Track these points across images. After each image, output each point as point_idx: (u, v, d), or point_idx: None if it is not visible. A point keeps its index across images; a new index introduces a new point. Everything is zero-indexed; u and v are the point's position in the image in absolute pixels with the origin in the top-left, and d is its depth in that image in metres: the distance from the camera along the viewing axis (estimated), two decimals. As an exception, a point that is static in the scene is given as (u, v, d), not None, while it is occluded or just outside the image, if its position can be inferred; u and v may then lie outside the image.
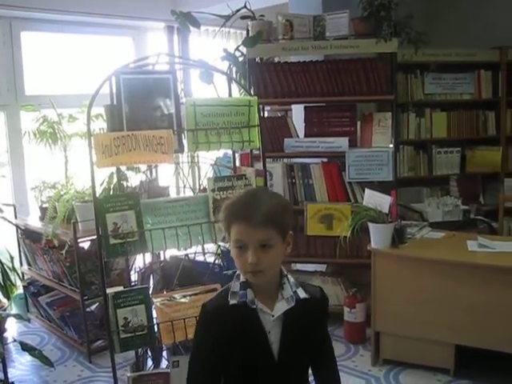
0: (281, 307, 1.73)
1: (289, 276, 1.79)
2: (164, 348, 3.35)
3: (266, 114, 5.36)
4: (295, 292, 1.75)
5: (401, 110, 4.96)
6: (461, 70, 5.14)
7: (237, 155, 3.90)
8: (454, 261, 3.53)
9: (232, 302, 1.73)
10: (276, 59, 4.93)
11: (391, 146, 4.31)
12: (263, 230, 1.65)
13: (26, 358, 4.09)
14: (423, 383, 3.64)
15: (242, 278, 1.75)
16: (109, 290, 2.82)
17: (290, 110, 5.52)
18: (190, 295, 2.94)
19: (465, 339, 3.54)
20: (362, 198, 3.94)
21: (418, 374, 3.73)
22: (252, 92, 4.24)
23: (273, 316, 1.72)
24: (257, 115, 3.05)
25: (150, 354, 3.32)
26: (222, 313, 1.74)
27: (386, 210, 3.60)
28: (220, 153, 3.85)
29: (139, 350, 3.07)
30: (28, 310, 4.84)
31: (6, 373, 3.38)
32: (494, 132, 5.31)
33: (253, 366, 1.74)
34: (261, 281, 1.71)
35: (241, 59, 4.62)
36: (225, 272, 2.95)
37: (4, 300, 4.65)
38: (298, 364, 1.80)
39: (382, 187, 4.05)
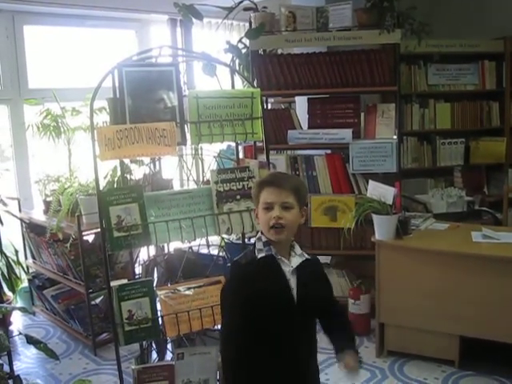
0: (296, 261, 2.13)
1: (295, 243, 2.20)
2: (168, 340, 3.36)
3: (269, 106, 5.35)
4: (301, 253, 2.17)
5: (404, 101, 4.95)
6: (465, 61, 5.12)
7: (240, 147, 3.89)
8: (458, 252, 3.53)
9: (260, 255, 2.12)
10: (279, 51, 4.92)
11: (395, 137, 4.30)
12: (288, 194, 2.07)
13: (32, 351, 4.12)
14: (428, 375, 3.65)
15: (263, 239, 2.13)
16: (113, 283, 2.82)
17: (294, 101, 5.51)
18: (194, 287, 2.95)
19: (469, 330, 3.54)
20: (366, 190, 3.94)
21: (422, 366, 3.74)
22: (255, 84, 4.23)
23: (292, 267, 2.12)
24: (260, 107, 3.04)
25: (154, 346, 3.33)
26: (253, 265, 2.13)
27: (390, 201, 3.60)
28: (223, 145, 3.84)
29: (144, 342, 3.08)
30: (33, 304, 4.85)
31: (11, 366, 3.39)
32: (498, 123, 5.29)
33: (278, 307, 2.09)
34: (281, 237, 2.08)
35: (244, 51, 4.62)
36: (229, 264, 2.94)
37: (9, 293, 4.66)
38: (313, 308, 2.16)
39: (385, 179, 4.04)
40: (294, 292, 2.09)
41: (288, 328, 2.10)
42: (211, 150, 3.27)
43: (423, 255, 3.63)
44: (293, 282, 2.11)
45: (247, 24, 4.50)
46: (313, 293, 2.13)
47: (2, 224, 4.38)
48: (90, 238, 4.31)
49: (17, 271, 4.81)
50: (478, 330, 3.50)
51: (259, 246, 2.14)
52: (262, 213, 2.10)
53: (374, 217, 3.67)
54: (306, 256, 2.17)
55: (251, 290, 2.07)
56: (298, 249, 2.17)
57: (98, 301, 4.37)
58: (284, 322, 2.09)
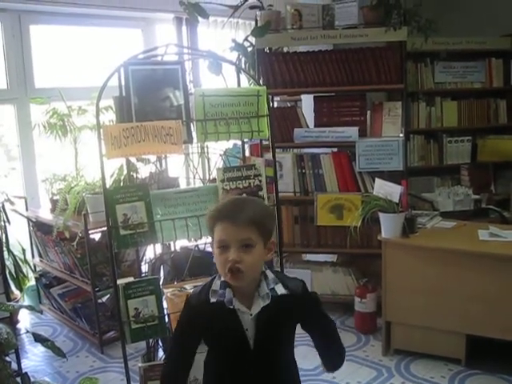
0: (257, 306, 1.79)
1: (267, 272, 1.84)
2: (175, 338, 3.36)
3: (275, 105, 5.35)
4: (272, 289, 1.80)
5: (411, 99, 4.95)
6: (471, 58, 5.10)
7: (246, 146, 3.89)
8: (465, 250, 3.52)
9: (212, 299, 1.81)
10: (285, 49, 4.92)
11: (401, 135, 4.29)
12: (246, 230, 1.73)
13: (39, 349, 4.13)
14: (434, 373, 3.64)
15: (222, 277, 1.81)
16: (119, 281, 2.82)
17: (300, 100, 5.50)
18: (201, 286, 2.94)
19: (476, 329, 3.52)
20: (373, 188, 3.93)
21: (429, 364, 3.73)
22: (261, 82, 4.23)
23: (251, 315, 1.80)
24: (266, 105, 3.03)
25: (160, 344, 3.33)
26: (204, 309, 1.83)
27: (396, 199, 3.59)
28: (229, 143, 3.84)
29: (150, 340, 3.08)
30: (40, 302, 4.86)
31: (19, 363, 3.39)
32: (505, 120, 5.27)
33: (231, 354, 1.85)
34: (239, 283, 1.77)
35: (250, 49, 4.61)
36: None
37: (16, 292, 4.68)
38: (274, 352, 1.86)
39: (392, 177, 4.03)
40: (252, 341, 1.82)
41: (242, 370, 1.86)
42: (217, 149, 3.27)
43: (430, 253, 3.62)
44: (251, 330, 1.82)
45: (253, 22, 4.50)
46: (274, 340, 1.84)
47: (9, 223, 4.39)
48: (96, 236, 4.33)
49: (24, 270, 4.83)
50: (485, 328, 3.48)
51: (215, 286, 1.83)
52: (217, 252, 1.76)
53: (381, 215, 3.67)
54: (281, 292, 1.80)
55: (200, 335, 1.88)
56: (264, 287, 1.80)
57: (104, 299, 4.38)
58: (238, 364, 1.86)
